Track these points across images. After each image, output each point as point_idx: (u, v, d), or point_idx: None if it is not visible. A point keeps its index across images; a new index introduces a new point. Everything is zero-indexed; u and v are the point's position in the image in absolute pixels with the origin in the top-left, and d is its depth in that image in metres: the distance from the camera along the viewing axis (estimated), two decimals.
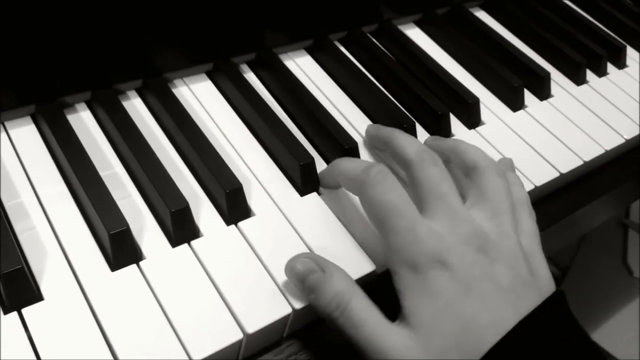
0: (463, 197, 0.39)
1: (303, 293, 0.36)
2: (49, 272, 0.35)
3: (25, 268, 0.34)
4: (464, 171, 0.41)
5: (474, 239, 0.35)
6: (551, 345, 0.33)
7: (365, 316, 0.34)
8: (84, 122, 0.45)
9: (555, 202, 0.51)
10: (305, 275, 0.36)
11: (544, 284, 0.36)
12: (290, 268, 0.37)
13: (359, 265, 0.39)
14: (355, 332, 0.34)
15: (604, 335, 0.96)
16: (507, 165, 0.45)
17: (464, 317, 0.33)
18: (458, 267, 0.34)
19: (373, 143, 0.47)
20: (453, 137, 0.51)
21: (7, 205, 0.38)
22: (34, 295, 0.34)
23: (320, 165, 0.46)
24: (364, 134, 0.49)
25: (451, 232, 0.35)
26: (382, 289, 0.37)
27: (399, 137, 0.42)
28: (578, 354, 0.34)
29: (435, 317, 0.33)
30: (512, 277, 0.34)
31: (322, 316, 0.35)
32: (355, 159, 0.41)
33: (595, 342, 0.35)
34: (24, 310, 0.33)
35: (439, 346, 0.33)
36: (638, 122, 0.57)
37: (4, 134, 0.43)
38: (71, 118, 0.44)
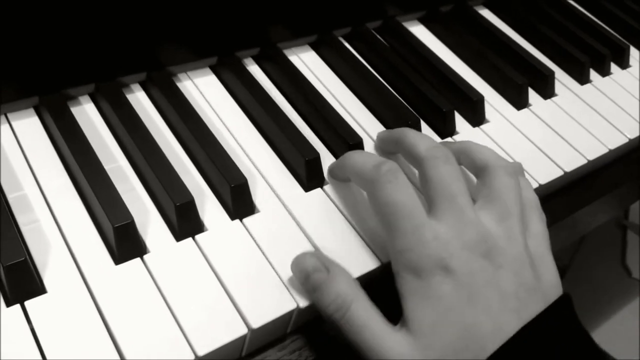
0: (473, 198, 0.38)
1: (306, 291, 0.36)
2: (52, 265, 0.35)
3: (29, 260, 0.34)
4: (474, 172, 0.40)
5: (480, 244, 0.34)
6: (553, 351, 0.32)
7: (365, 320, 0.34)
8: (87, 115, 0.44)
9: (556, 202, 0.51)
10: (309, 273, 0.36)
11: (550, 290, 0.35)
12: (295, 264, 0.37)
13: (364, 261, 0.39)
14: (355, 335, 0.34)
15: (602, 336, 0.96)
16: (516, 169, 0.44)
17: (465, 325, 0.33)
18: (461, 274, 0.33)
19: (385, 147, 0.46)
20: (462, 139, 0.51)
21: (10, 198, 0.38)
22: (37, 287, 0.34)
23: (328, 159, 0.46)
24: (368, 129, 0.49)
25: (457, 237, 0.34)
26: (386, 288, 0.37)
27: (410, 134, 0.41)
28: (580, 358, 0.33)
29: (435, 324, 0.33)
30: (516, 283, 0.34)
31: (323, 316, 0.35)
32: (366, 153, 0.40)
33: (600, 347, 0.35)
34: (27, 303, 0.33)
35: (437, 354, 0.32)
36: None
37: (6, 125, 0.42)
38: (75, 110, 0.44)
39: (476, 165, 0.40)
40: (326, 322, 0.35)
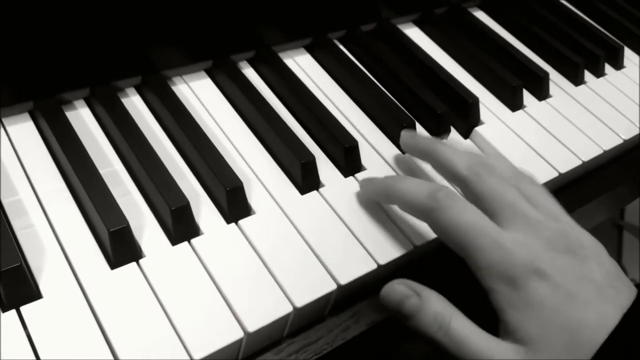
0: None
1: (401, 319, 0.36)
2: (47, 270, 0.35)
3: (24, 265, 0.34)
4: None
5: (559, 240, 0.35)
6: None
7: (468, 333, 0.34)
8: (82, 119, 0.44)
9: None
10: (401, 301, 0.36)
11: (625, 276, 0.36)
12: (385, 295, 0.37)
13: (362, 263, 0.39)
14: (461, 350, 0.34)
15: None
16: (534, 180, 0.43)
17: (572, 323, 0.33)
18: (554, 274, 0.34)
19: (410, 152, 0.46)
20: (457, 141, 0.51)
21: (5, 203, 0.38)
22: (32, 293, 0.34)
23: (323, 162, 0.46)
24: (363, 132, 0.49)
25: (536, 239, 0.35)
26: None
27: (444, 151, 0.41)
28: None
29: (542, 328, 0.33)
30: (603, 273, 0.34)
31: (425, 338, 0.35)
32: (412, 180, 0.40)
33: None
34: (23, 308, 0.33)
35: (551, 356, 0.32)
36: (635, 123, 0.57)
37: (1, 130, 0.42)
38: (70, 115, 0.44)
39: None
40: (325, 323, 0.35)
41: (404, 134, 0.46)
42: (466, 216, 0.36)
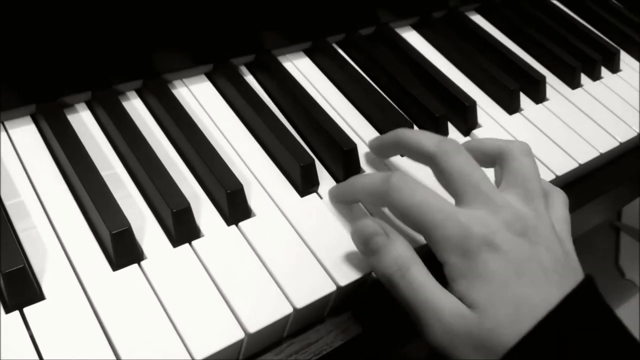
0: (495, 183, 0.39)
1: (364, 254, 0.38)
2: (50, 272, 0.35)
3: (27, 267, 0.34)
4: (491, 161, 0.41)
5: (515, 222, 0.36)
6: (591, 322, 0.34)
7: (424, 280, 0.35)
8: (84, 122, 0.45)
9: None
10: (370, 236, 0.37)
11: (577, 267, 0.37)
12: (356, 229, 0.38)
13: (361, 264, 0.39)
14: (413, 294, 0.35)
15: None
16: (528, 149, 0.44)
17: (517, 297, 0.34)
18: (507, 250, 0.35)
19: (382, 153, 0.46)
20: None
21: (8, 205, 0.38)
22: (35, 294, 0.34)
23: (322, 165, 0.46)
24: (362, 135, 0.50)
25: (492, 218, 0.36)
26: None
27: (411, 134, 0.42)
28: (613, 333, 0.35)
29: (489, 298, 0.34)
30: (552, 259, 0.35)
31: (381, 278, 0.37)
32: (369, 174, 0.41)
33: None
34: (26, 310, 0.33)
35: (493, 322, 0.33)
36: (631, 125, 0.58)
37: (4, 133, 0.43)
38: (71, 118, 0.44)
39: (490, 155, 0.41)
40: (324, 325, 0.36)
41: (371, 141, 0.47)
42: (417, 196, 0.37)
